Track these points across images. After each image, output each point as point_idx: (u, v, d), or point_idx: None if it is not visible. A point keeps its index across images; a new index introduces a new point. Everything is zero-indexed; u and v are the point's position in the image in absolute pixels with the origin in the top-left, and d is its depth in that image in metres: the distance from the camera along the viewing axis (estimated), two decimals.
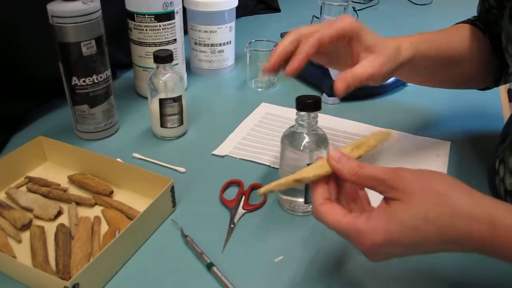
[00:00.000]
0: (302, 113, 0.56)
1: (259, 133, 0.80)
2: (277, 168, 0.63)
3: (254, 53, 0.93)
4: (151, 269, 0.54)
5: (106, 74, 0.73)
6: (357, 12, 1.42)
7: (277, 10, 1.47)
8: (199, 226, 0.60)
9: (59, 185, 0.66)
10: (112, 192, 0.64)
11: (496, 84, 0.73)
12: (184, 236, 0.57)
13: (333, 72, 0.91)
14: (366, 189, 0.45)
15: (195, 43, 0.98)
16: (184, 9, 0.93)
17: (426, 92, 0.84)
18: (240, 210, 0.62)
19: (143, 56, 0.86)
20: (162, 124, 0.76)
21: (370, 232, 0.40)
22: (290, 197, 0.62)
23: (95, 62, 0.70)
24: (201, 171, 0.70)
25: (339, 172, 0.44)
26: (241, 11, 1.29)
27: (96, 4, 0.68)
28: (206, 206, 0.63)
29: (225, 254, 0.56)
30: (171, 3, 0.82)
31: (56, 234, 0.56)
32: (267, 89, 0.96)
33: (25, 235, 0.57)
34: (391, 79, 0.83)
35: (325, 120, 0.81)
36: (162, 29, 0.83)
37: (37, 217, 0.60)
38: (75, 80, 0.70)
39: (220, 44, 0.97)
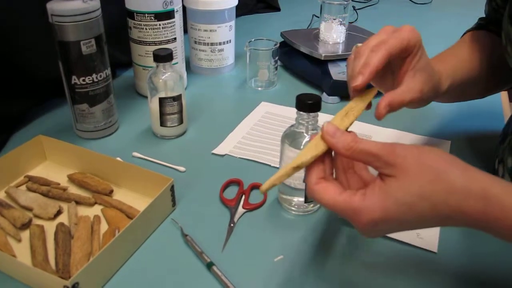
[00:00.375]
0: (302, 112, 0.56)
1: (259, 132, 0.80)
2: (277, 167, 0.63)
3: (254, 52, 0.92)
4: (151, 269, 0.54)
5: (106, 73, 0.73)
6: (357, 11, 1.41)
7: (277, 9, 1.47)
8: (199, 225, 0.59)
9: (59, 184, 0.66)
10: (112, 191, 0.64)
11: None
12: (184, 236, 0.57)
13: (333, 71, 0.91)
14: None
15: (195, 42, 0.98)
16: (184, 8, 0.93)
17: None
18: (240, 209, 0.62)
19: (143, 55, 0.86)
20: (162, 123, 0.76)
21: (366, 210, 0.40)
22: (290, 196, 0.62)
23: (95, 61, 0.70)
24: (201, 170, 0.70)
25: (334, 147, 0.43)
26: (241, 10, 1.29)
27: (96, 3, 0.68)
28: (206, 205, 0.63)
29: (225, 254, 0.56)
30: (171, 2, 0.82)
31: (55, 233, 0.56)
32: (267, 88, 0.96)
33: (25, 234, 0.57)
34: None
35: (325, 119, 0.80)
36: (162, 28, 0.83)
37: (36, 216, 0.60)
38: (74, 79, 0.70)
39: (220, 43, 0.97)
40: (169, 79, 0.73)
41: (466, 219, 0.39)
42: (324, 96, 0.91)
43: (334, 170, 0.45)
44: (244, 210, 0.62)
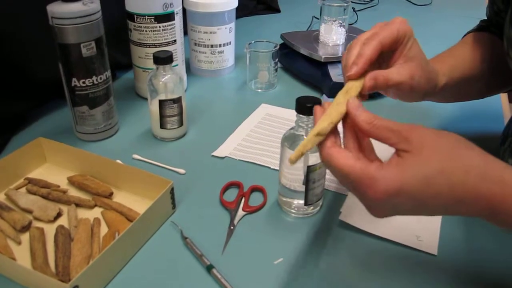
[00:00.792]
0: (302, 115, 0.56)
1: (259, 134, 0.80)
2: (277, 170, 0.63)
3: (254, 54, 0.93)
4: (151, 271, 0.54)
5: (106, 75, 0.73)
6: (357, 12, 1.41)
7: (277, 10, 1.47)
8: (199, 228, 0.59)
9: (59, 186, 0.66)
10: (111, 194, 0.64)
11: None
12: (184, 238, 0.57)
13: (333, 73, 0.91)
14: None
15: (195, 44, 0.98)
16: (184, 10, 0.93)
17: None
18: (240, 212, 0.62)
19: (143, 57, 0.86)
20: (162, 125, 0.76)
21: (383, 179, 0.39)
22: (290, 199, 0.62)
23: (95, 63, 0.70)
24: (201, 173, 0.70)
25: (355, 120, 0.43)
26: (241, 11, 1.29)
27: (96, 5, 0.68)
28: (206, 207, 0.63)
29: (225, 256, 0.56)
30: (171, 4, 0.82)
31: (55, 236, 0.56)
32: (267, 90, 0.96)
33: (25, 237, 0.57)
34: None
35: None
36: (162, 30, 0.83)
37: (36, 218, 0.60)
38: (75, 81, 0.70)
39: (220, 45, 0.97)
40: (169, 81, 0.73)
41: (479, 203, 0.39)
42: (324, 98, 0.91)
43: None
44: (244, 213, 0.62)
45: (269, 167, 0.71)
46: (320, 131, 0.43)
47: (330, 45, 1.00)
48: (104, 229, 0.59)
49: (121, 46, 0.91)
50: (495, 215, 0.40)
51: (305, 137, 0.58)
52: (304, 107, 0.55)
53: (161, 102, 0.73)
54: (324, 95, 0.91)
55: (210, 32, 0.95)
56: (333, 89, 0.89)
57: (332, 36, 1.00)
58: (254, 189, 0.66)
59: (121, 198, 0.64)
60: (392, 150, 0.42)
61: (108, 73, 0.74)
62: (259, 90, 0.96)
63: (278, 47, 0.92)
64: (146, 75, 0.82)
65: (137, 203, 0.62)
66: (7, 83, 0.76)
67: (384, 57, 0.54)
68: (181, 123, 0.77)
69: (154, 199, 0.57)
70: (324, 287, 0.52)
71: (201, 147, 0.76)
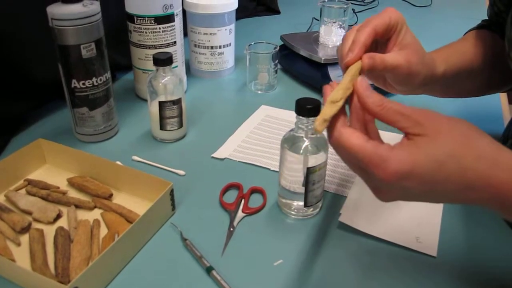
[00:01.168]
0: (301, 117, 0.56)
1: (259, 135, 0.80)
2: (277, 171, 0.63)
3: (254, 56, 0.93)
4: (150, 273, 0.54)
5: (106, 77, 0.73)
6: (357, 14, 1.42)
7: (277, 12, 1.47)
8: (198, 229, 0.59)
9: (59, 187, 0.66)
10: (111, 195, 0.64)
11: None
12: (184, 240, 0.57)
13: (332, 75, 0.91)
14: None
15: (195, 45, 0.98)
16: (184, 11, 0.93)
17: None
18: (240, 214, 0.62)
19: (143, 59, 0.86)
20: (162, 127, 0.76)
21: (395, 159, 0.38)
22: (290, 201, 0.62)
23: (95, 65, 0.70)
24: (200, 174, 0.70)
25: (364, 101, 0.42)
26: (241, 13, 1.29)
27: (96, 7, 0.68)
28: (206, 209, 0.63)
29: (224, 258, 0.56)
30: (171, 5, 0.82)
31: (55, 237, 0.56)
32: (267, 92, 0.96)
33: (24, 238, 0.57)
34: None
35: None
36: (162, 31, 0.83)
37: (36, 220, 0.60)
38: (74, 83, 0.70)
39: (220, 47, 0.97)
40: (169, 83, 0.73)
41: (489, 191, 0.39)
42: None
43: None
44: (244, 214, 0.62)
45: (269, 169, 0.71)
46: (334, 99, 0.42)
47: (330, 46, 1.00)
48: (103, 231, 0.59)
49: (121, 48, 0.91)
50: (503, 203, 0.39)
51: (305, 139, 0.58)
52: (304, 108, 0.55)
53: (161, 104, 0.73)
54: None
55: (210, 34, 0.95)
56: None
57: (332, 37, 1.00)
58: (254, 190, 0.66)
59: (120, 199, 0.64)
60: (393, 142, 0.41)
61: (108, 74, 0.74)
62: (259, 92, 0.96)
63: (278, 48, 0.92)
64: (146, 77, 0.82)
65: (136, 205, 0.62)
66: (7, 84, 0.76)
67: (379, 47, 0.54)
68: (181, 125, 0.77)
69: (154, 201, 0.57)
70: None
71: (201, 148, 0.76)
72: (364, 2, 1.56)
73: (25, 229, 0.58)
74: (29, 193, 0.64)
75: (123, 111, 0.85)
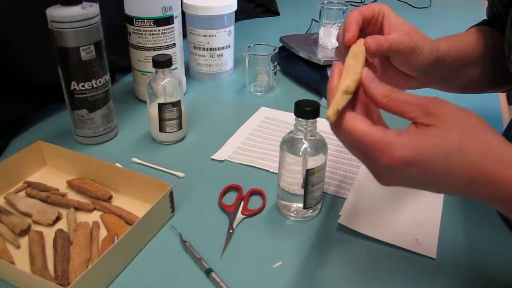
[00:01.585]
0: (300, 119, 0.56)
1: (258, 137, 0.80)
2: (276, 173, 0.63)
3: (253, 57, 0.93)
4: (150, 275, 0.54)
5: (105, 79, 0.73)
6: None
7: (276, 13, 1.47)
8: (198, 231, 0.59)
9: (58, 190, 0.66)
10: (111, 197, 0.64)
11: None
12: (183, 242, 0.57)
13: None
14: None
15: (194, 47, 0.98)
16: (183, 13, 0.93)
17: (426, 94, 0.84)
18: (239, 215, 0.62)
19: (142, 61, 0.86)
20: (161, 129, 0.76)
21: (401, 146, 0.38)
22: (289, 202, 0.62)
23: (94, 67, 0.70)
24: (200, 176, 0.70)
25: (370, 93, 0.42)
26: (240, 14, 1.29)
27: (95, 9, 0.68)
28: (205, 211, 0.63)
29: (224, 260, 0.56)
30: (170, 7, 0.82)
31: (54, 240, 0.56)
32: (266, 93, 0.96)
33: (24, 241, 0.57)
34: None
35: (324, 124, 0.80)
36: (161, 33, 0.83)
37: (35, 222, 0.60)
38: (74, 85, 0.71)
39: (219, 48, 0.97)
40: (168, 85, 0.73)
41: (492, 187, 0.39)
42: (323, 101, 0.91)
43: None
44: (243, 216, 0.62)
45: (268, 171, 0.71)
46: (347, 88, 0.41)
47: (329, 48, 1.00)
48: (103, 233, 0.59)
49: (120, 50, 0.91)
50: (506, 201, 0.39)
51: (304, 140, 0.58)
52: (303, 110, 0.55)
53: (160, 106, 0.73)
54: (323, 98, 0.91)
55: (209, 35, 0.95)
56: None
57: (331, 39, 1.00)
58: (253, 192, 0.66)
59: (120, 201, 0.64)
60: None
61: (108, 76, 0.74)
62: (258, 93, 0.96)
63: (277, 50, 0.92)
64: (145, 79, 0.82)
65: (136, 207, 0.62)
66: (6, 86, 0.76)
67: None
68: (180, 127, 0.77)
69: (153, 203, 0.57)
70: None
71: (200, 150, 0.76)
72: (363, 4, 1.56)
73: (25, 232, 0.58)
74: (28, 195, 0.64)
75: (123, 113, 0.85)
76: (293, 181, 0.60)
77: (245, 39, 1.06)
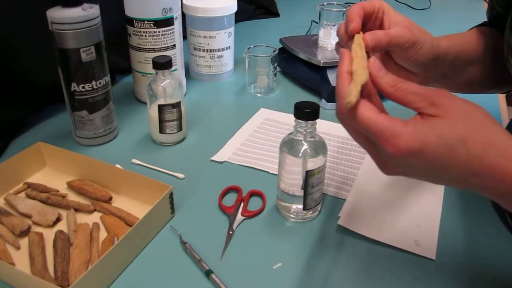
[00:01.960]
0: (300, 120, 0.57)
1: (258, 138, 0.80)
2: (276, 174, 0.63)
3: (253, 59, 0.93)
4: (150, 276, 0.54)
5: (105, 80, 0.73)
6: None
7: (276, 14, 1.48)
8: (197, 232, 0.60)
9: (58, 191, 0.66)
10: (111, 198, 0.64)
11: None
12: (183, 243, 0.57)
13: (331, 78, 0.91)
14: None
15: (194, 49, 0.98)
16: (183, 14, 0.93)
17: None
18: (239, 217, 0.62)
19: (142, 62, 0.87)
20: (161, 130, 0.76)
21: (406, 135, 0.38)
22: (289, 204, 0.62)
23: (94, 68, 0.70)
24: (200, 177, 0.70)
25: (377, 82, 0.42)
26: (240, 16, 1.29)
27: (96, 11, 0.68)
28: (205, 212, 0.63)
29: (223, 261, 0.56)
30: (170, 9, 0.82)
31: (54, 241, 0.56)
32: (266, 94, 0.96)
33: (24, 242, 0.57)
34: None
35: (323, 126, 0.81)
36: (161, 35, 0.84)
37: (35, 223, 0.60)
38: (74, 86, 0.71)
39: (219, 50, 0.98)
40: (168, 86, 0.73)
41: (494, 180, 0.39)
42: (323, 102, 0.91)
43: None
44: (243, 217, 0.62)
45: (268, 172, 0.71)
46: (358, 80, 0.41)
47: (329, 49, 1.00)
48: (103, 234, 0.59)
49: (121, 51, 0.91)
50: (507, 194, 0.39)
51: (303, 142, 0.58)
52: (303, 112, 0.55)
53: (160, 107, 0.73)
54: (323, 99, 0.92)
55: (209, 37, 0.96)
56: (332, 94, 0.89)
57: (331, 40, 1.00)
58: (253, 193, 0.66)
59: (120, 203, 0.64)
60: None
61: (108, 77, 0.74)
62: (258, 95, 0.96)
63: (277, 51, 0.93)
64: (145, 80, 0.83)
65: (136, 208, 0.62)
66: (6, 88, 0.76)
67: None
68: (180, 128, 0.77)
69: (153, 204, 0.57)
70: None
71: (200, 151, 0.76)
72: None
73: (25, 233, 0.58)
74: (28, 196, 0.64)
75: (123, 114, 0.86)
76: (293, 182, 0.60)
77: (245, 41, 1.07)
